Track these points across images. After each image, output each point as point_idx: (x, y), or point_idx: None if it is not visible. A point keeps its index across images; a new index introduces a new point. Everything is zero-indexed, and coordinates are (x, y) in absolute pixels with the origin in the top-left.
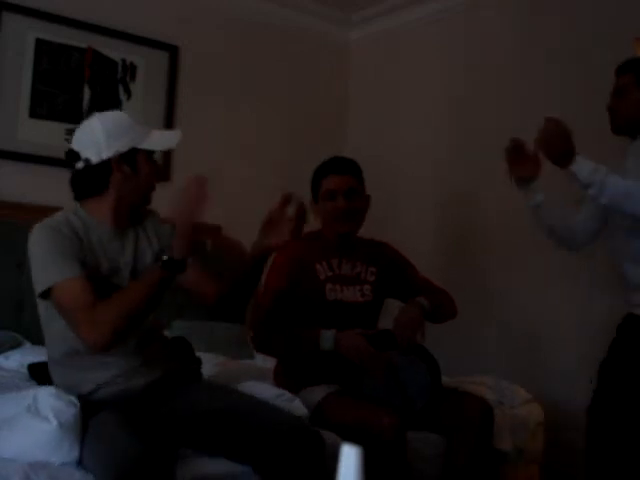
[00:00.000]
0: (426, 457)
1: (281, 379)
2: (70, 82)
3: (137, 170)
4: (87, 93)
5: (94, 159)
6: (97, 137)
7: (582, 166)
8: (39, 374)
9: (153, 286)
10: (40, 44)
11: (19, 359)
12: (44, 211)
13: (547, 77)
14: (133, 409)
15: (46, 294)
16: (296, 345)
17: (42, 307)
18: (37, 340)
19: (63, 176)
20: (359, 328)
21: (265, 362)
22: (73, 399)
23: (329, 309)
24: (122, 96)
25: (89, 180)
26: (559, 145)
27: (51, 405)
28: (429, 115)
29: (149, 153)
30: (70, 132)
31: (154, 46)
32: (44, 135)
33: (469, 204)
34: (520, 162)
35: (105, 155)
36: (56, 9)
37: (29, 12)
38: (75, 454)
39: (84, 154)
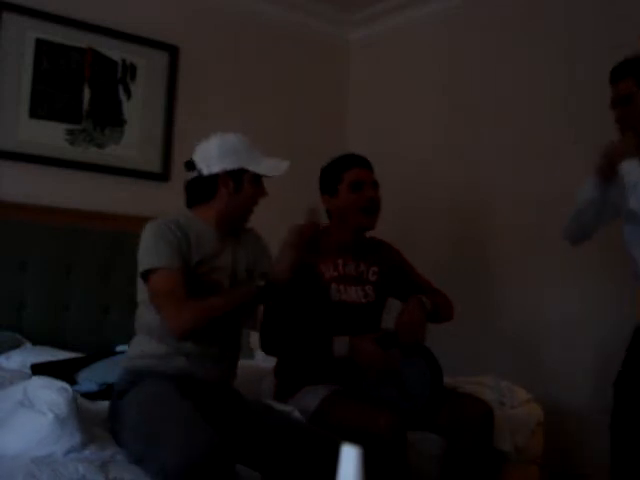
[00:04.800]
0: (426, 457)
1: (282, 378)
2: (70, 82)
3: (241, 189)
4: (87, 93)
5: (205, 171)
6: (211, 152)
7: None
8: (42, 374)
9: (245, 301)
10: (40, 44)
11: (20, 359)
12: (44, 211)
13: (548, 76)
14: (203, 399)
15: (144, 276)
16: (308, 351)
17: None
18: (37, 340)
19: (63, 176)
20: (369, 333)
21: (265, 362)
22: (64, 385)
23: (333, 310)
24: (122, 96)
25: (199, 189)
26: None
27: (43, 397)
28: (429, 115)
29: (256, 176)
30: (70, 132)
31: (154, 46)
32: (44, 135)
33: (470, 204)
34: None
35: (214, 169)
36: (56, 9)
37: (29, 12)
38: (77, 439)
39: (198, 165)
